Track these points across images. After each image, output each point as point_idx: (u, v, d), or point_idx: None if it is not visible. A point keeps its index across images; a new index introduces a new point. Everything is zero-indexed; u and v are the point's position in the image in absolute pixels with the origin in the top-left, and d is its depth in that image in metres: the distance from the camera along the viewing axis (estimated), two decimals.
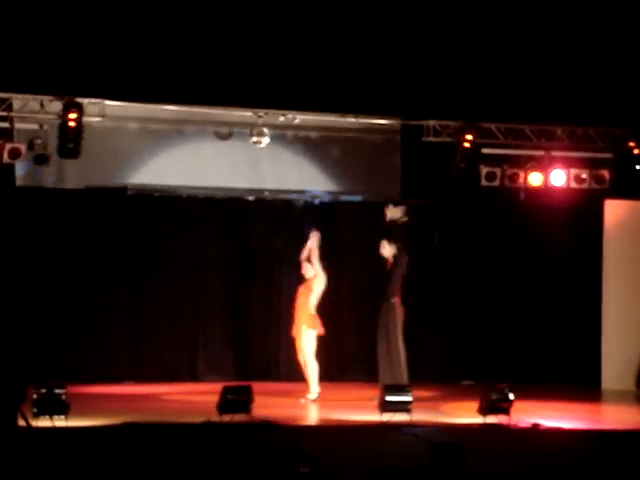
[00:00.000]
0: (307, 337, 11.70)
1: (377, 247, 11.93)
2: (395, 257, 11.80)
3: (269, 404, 10.60)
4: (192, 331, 13.54)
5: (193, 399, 11.63)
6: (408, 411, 9.85)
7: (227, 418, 9.50)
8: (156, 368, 13.25)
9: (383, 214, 11.92)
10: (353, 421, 10.12)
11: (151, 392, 12.17)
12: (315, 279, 11.75)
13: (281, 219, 13.70)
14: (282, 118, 13.03)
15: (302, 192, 13.82)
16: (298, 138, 13.70)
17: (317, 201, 13.87)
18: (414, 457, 7.86)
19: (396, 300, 11.75)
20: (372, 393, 10.87)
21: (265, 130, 12.80)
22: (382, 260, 11.90)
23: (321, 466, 7.13)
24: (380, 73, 12.79)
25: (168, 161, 13.42)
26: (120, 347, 13.20)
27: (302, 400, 11.59)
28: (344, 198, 13.97)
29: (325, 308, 12.02)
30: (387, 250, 11.84)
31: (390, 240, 11.81)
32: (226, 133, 13.46)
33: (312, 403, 11.55)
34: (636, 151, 13.20)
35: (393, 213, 11.92)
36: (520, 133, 13.38)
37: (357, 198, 14.00)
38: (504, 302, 13.94)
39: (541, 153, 13.43)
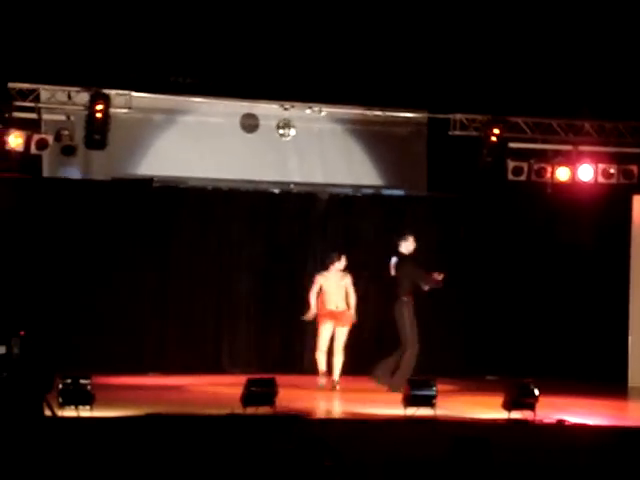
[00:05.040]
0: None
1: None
2: (404, 258, 11.91)
3: (293, 397, 10.59)
4: (217, 323, 13.58)
5: (217, 391, 11.67)
6: (432, 405, 9.81)
7: (251, 410, 9.51)
8: (181, 359, 13.30)
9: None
10: (377, 415, 10.11)
11: (175, 383, 12.22)
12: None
13: (307, 212, 13.72)
14: (309, 111, 13.08)
15: (328, 185, 13.84)
16: (324, 131, 13.72)
17: (342, 194, 13.88)
18: (438, 451, 7.81)
19: (408, 298, 11.85)
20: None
21: (292, 122, 12.83)
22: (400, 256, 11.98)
23: (344, 459, 7.11)
24: (407, 66, 12.80)
25: (194, 153, 13.45)
26: (145, 338, 13.25)
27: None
28: (369, 191, 13.96)
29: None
30: (404, 247, 11.92)
31: (407, 237, 11.91)
32: (252, 125, 13.50)
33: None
34: None
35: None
36: (548, 127, 13.37)
37: (383, 192, 13.99)
38: (530, 297, 13.90)
39: (569, 148, 13.43)
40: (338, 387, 12.03)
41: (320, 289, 12.12)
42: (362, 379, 12.23)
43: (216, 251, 13.58)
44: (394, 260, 12.00)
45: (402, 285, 11.92)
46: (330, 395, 11.77)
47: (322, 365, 12.10)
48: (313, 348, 12.38)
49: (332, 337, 12.14)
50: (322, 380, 12.06)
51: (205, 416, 9.47)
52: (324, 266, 12.21)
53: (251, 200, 13.64)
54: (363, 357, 12.73)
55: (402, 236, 11.97)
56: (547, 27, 12.81)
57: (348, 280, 12.12)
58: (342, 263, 12.09)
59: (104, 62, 12.17)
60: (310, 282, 12.29)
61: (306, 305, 12.20)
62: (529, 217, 13.98)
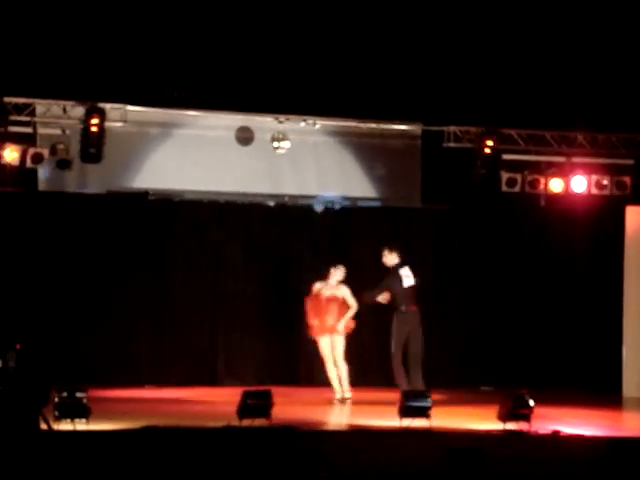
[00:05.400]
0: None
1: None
2: (394, 268, 11.99)
3: (289, 409, 10.61)
4: (213, 335, 13.63)
5: (213, 403, 11.68)
6: (427, 416, 9.84)
7: (247, 423, 9.54)
8: (176, 372, 13.36)
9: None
10: (372, 426, 10.13)
11: (172, 396, 12.25)
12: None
13: (301, 224, 13.78)
14: (303, 123, 13.15)
15: (322, 197, 13.90)
16: (319, 143, 13.79)
17: (337, 206, 13.95)
18: (433, 463, 7.84)
19: (409, 308, 11.86)
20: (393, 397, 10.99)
21: (286, 135, 12.89)
22: (387, 268, 12.04)
23: (340, 471, 7.14)
24: (401, 78, 12.88)
25: (189, 166, 13.52)
26: (141, 351, 13.29)
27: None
28: (364, 204, 14.04)
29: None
30: (389, 259, 11.99)
31: (391, 249, 11.98)
32: (247, 138, 13.57)
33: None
34: None
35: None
36: (541, 139, 13.44)
37: (377, 204, 14.06)
38: (524, 308, 13.95)
39: (562, 159, 13.52)
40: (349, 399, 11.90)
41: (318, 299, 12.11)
42: (356, 390, 12.24)
43: (211, 263, 13.63)
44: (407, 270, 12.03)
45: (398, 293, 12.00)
46: (325, 407, 11.76)
47: (334, 379, 12.00)
48: (313, 361, 12.35)
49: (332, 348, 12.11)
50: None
51: (201, 429, 9.48)
52: (322, 277, 12.22)
53: (246, 213, 13.71)
54: (358, 368, 12.76)
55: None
56: (540, 39, 12.91)
57: (346, 291, 12.11)
58: (340, 273, 12.11)
59: (99, 76, 12.25)
60: (303, 296, 12.30)
61: (305, 316, 12.18)
62: (523, 228, 14.05)
